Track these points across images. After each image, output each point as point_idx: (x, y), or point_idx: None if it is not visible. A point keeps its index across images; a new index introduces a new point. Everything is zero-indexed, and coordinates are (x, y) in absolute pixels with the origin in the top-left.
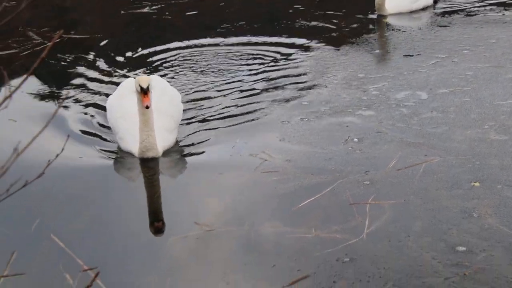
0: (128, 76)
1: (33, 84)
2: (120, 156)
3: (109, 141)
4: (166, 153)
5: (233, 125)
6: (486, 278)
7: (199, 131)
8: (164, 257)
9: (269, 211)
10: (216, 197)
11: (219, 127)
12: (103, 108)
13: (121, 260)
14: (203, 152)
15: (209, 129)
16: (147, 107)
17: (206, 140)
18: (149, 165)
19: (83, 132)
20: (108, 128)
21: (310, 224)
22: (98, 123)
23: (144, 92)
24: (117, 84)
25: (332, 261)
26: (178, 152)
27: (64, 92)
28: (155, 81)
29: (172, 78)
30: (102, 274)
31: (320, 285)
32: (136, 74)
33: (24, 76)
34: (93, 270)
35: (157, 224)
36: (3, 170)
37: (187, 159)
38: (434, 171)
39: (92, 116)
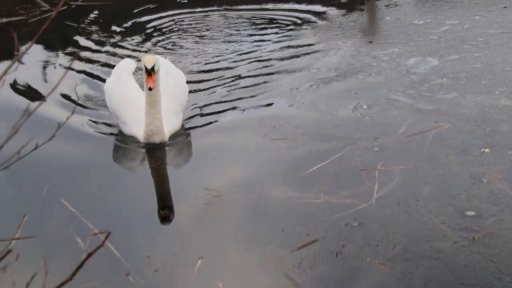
0: (138, 43)
1: (40, 50)
2: (122, 140)
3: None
4: (172, 137)
5: (242, 92)
6: (495, 242)
7: (209, 104)
8: (173, 222)
9: (278, 176)
10: (225, 164)
11: (227, 94)
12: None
13: (131, 225)
14: (213, 122)
15: (217, 98)
16: (150, 89)
17: (215, 113)
18: (155, 153)
19: (90, 98)
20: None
21: (319, 190)
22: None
23: (148, 72)
24: (127, 50)
25: (340, 226)
26: (185, 135)
27: (70, 58)
28: (161, 61)
29: (180, 47)
30: (112, 238)
31: (329, 249)
32: (143, 44)
33: (33, 44)
34: (104, 233)
35: (163, 212)
36: (14, 130)
37: (195, 133)
38: (444, 137)
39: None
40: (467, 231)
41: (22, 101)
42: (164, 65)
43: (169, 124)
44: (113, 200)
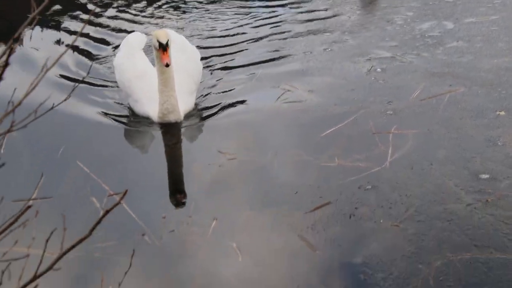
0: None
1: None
2: (133, 122)
3: None
4: (186, 117)
5: (255, 57)
6: (509, 204)
7: (222, 68)
8: (188, 184)
9: (292, 140)
10: (239, 127)
11: (241, 60)
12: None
13: (146, 186)
14: (227, 91)
15: (231, 63)
16: (167, 65)
17: (229, 82)
18: (170, 130)
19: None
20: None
21: (332, 153)
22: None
23: (163, 48)
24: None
25: (354, 188)
26: (199, 112)
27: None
28: (173, 36)
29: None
30: (127, 199)
31: (342, 211)
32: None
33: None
34: (119, 194)
35: (179, 196)
36: (32, 86)
37: (209, 100)
38: (458, 101)
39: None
40: (481, 194)
41: (40, 57)
42: (177, 40)
43: (184, 104)
44: (128, 162)
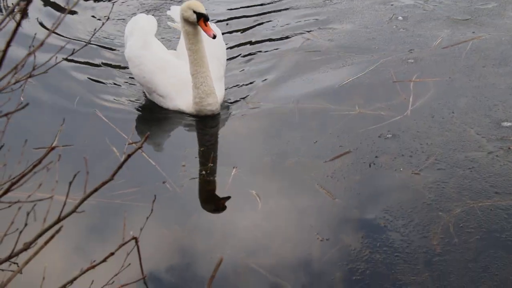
0: None
1: None
2: (162, 120)
3: None
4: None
5: (274, 5)
6: None
7: (245, 29)
8: (208, 133)
9: (312, 89)
10: (260, 77)
11: (259, 9)
12: None
13: (166, 135)
14: (247, 43)
15: (250, 11)
16: (214, 37)
17: (250, 41)
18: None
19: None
20: None
21: (353, 102)
22: None
23: (205, 18)
24: None
25: (374, 137)
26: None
27: None
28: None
29: None
30: (148, 149)
31: (362, 160)
32: None
33: None
34: (138, 143)
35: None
36: (53, 28)
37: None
38: (481, 49)
39: None
40: (503, 141)
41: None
42: None
43: (218, 91)
44: (146, 111)
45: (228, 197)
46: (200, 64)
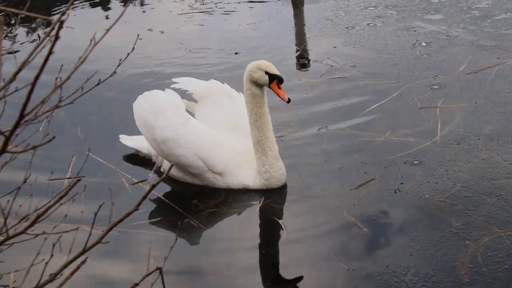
0: None
1: None
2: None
3: None
4: None
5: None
6: None
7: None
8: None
9: (337, 115)
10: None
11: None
12: None
13: None
14: None
15: None
16: (289, 101)
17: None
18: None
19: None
20: None
21: (379, 128)
22: None
23: (280, 80)
24: None
25: (400, 163)
26: None
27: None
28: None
29: None
30: None
31: (387, 187)
32: None
33: None
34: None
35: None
36: (81, 61)
37: None
38: (506, 74)
39: None
40: None
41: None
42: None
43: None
44: None
45: (255, 223)
46: (267, 129)
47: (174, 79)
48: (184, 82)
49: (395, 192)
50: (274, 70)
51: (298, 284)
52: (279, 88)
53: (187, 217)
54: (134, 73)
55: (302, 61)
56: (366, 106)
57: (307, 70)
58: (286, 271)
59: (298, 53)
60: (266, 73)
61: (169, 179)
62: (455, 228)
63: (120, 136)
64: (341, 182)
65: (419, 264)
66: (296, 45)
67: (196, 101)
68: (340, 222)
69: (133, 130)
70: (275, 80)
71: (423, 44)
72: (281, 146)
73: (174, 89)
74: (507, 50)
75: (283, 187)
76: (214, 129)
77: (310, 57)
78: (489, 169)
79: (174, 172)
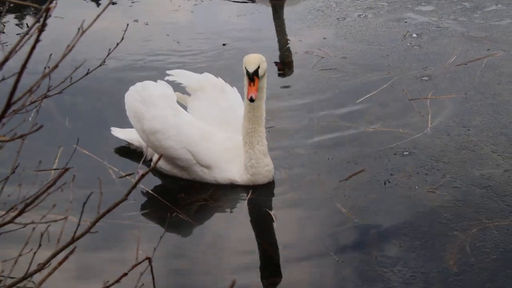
0: None
1: None
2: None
3: None
4: None
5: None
6: None
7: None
8: None
9: (328, 106)
10: (275, 95)
11: None
12: None
13: None
14: None
15: None
16: (251, 100)
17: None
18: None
19: None
20: None
21: (369, 119)
22: None
23: (250, 77)
24: None
25: (390, 154)
26: None
27: None
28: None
29: None
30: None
31: (377, 178)
32: None
33: None
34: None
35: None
36: (69, 49)
37: None
38: (496, 66)
39: None
40: None
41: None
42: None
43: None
44: None
45: (245, 215)
46: (259, 123)
47: (168, 71)
48: (177, 74)
49: (385, 183)
50: (250, 67)
51: (288, 275)
52: (249, 85)
53: (175, 211)
54: (124, 65)
55: (293, 52)
56: (356, 97)
57: (298, 61)
58: (276, 263)
59: (289, 44)
60: (245, 68)
61: (158, 173)
62: (444, 218)
63: (112, 128)
64: (331, 173)
65: (408, 255)
66: (287, 36)
67: (189, 94)
68: (330, 213)
69: (123, 122)
70: (247, 75)
71: (414, 35)
72: (270, 136)
73: (167, 81)
74: (497, 41)
75: (272, 181)
76: (206, 123)
77: (301, 48)
78: (478, 160)
79: (163, 165)
